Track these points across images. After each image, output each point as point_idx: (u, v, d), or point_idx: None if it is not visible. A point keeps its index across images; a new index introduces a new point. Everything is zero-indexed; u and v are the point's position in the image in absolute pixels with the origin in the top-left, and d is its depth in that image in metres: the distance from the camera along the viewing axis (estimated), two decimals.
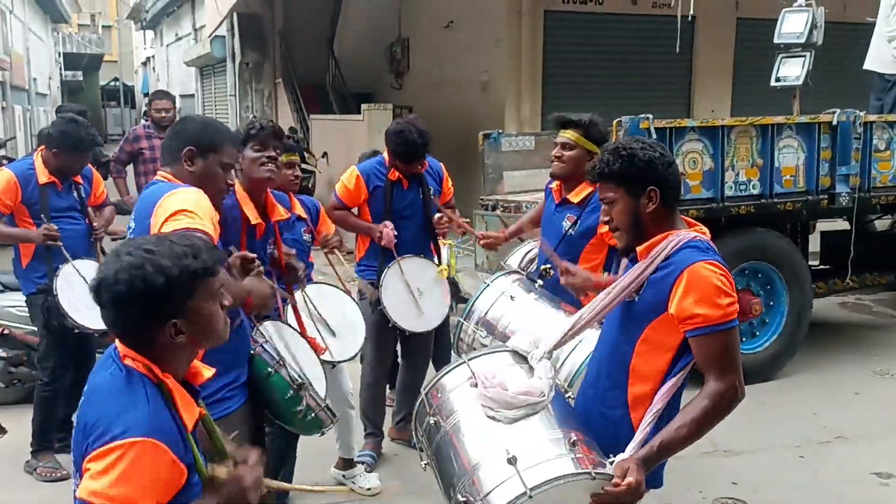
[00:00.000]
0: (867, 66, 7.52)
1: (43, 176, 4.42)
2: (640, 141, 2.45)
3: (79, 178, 4.59)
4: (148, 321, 1.76)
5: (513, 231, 4.32)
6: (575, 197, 3.63)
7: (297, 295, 3.61)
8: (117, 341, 1.82)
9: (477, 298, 3.44)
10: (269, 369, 2.89)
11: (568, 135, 3.61)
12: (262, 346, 2.94)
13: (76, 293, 4.17)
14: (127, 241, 1.86)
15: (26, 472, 4.51)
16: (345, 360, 3.94)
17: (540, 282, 3.54)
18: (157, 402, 1.74)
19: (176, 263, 1.74)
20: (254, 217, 3.32)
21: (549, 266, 3.59)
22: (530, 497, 2.11)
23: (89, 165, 4.77)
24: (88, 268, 4.31)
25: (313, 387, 2.99)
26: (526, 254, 4.12)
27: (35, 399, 4.56)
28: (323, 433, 3.16)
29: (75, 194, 4.56)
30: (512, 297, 3.37)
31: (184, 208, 2.51)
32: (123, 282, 1.71)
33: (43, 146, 4.52)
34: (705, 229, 2.46)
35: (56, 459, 4.54)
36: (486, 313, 3.37)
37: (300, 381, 2.92)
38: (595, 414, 2.49)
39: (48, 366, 4.52)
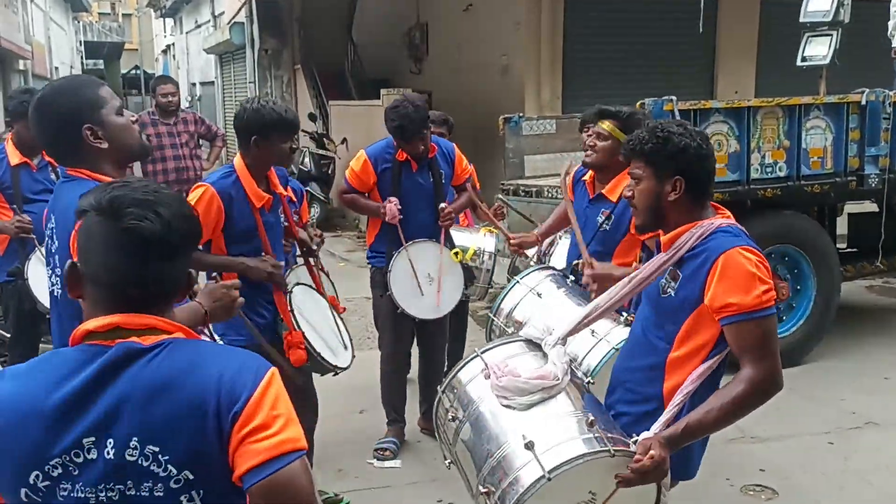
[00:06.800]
0: None
1: (14, 157, 4.36)
2: (682, 126, 2.37)
3: (52, 159, 4.51)
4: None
5: (543, 232, 4.15)
6: (611, 194, 3.53)
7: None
8: (134, 320, 1.42)
9: (506, 295, 3.47)
10: None
11: (604, 125, 3.52)
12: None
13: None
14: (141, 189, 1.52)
15: None
16: (345, 368, 3.64)
17: (572, 277, 3.48)
18: None
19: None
20: (258, 196, 3.36)
21: (580, 261, 3.51)
22: (549, 480, 2.09)
23: None
24: None
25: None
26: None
27: None
28: None
29: (52, 176, 4.44)
30: (539, 294, 3.36)
31: None
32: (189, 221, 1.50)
33: (10, 131, 4.48)
34: (729, 214, 2.40)
35: None
36: (513, 310, 3.38)
37: None
38: (624, 408, 2.44)
39: (18, 352, 4.48)
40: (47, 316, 4.18)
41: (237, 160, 3.40)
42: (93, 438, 1.33)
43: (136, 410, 1.34)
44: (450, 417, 2.46)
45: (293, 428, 1.38)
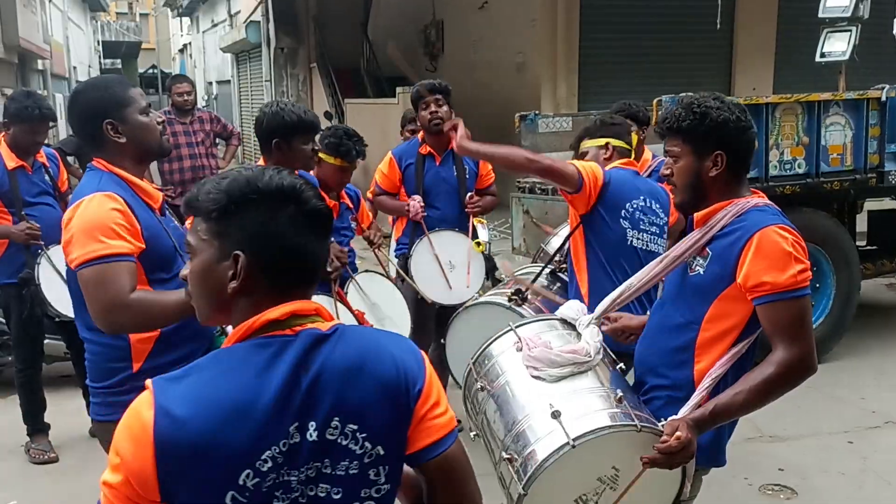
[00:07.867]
0: None
1: (10, 161, 4.30)
2: (719, 99, 2.32)
3: (45, 160, 4.46)
4: None
5: None
6: None
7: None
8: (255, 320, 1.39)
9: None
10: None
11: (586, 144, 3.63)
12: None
13: (55, 281, 4.07)
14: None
15: (25, 454, 4.56)
16: None
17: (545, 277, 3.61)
18: None
19: None
20: None
21: (560, 260, 3.65)
22: (573, 447, 2.08)
23: (54, 152, 4.67)
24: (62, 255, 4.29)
25: None
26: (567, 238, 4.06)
27: (17, 385, 4.58)
28: None
29: (46, 177, 4.43)
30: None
31: (76, 234, 2.25)
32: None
33: (4, 132, 4.40)
34: (763, 195, 2.35)
35: (49, 442, 4.55)
36: None
37: None
38: (655, 393, 2.39)
39: (22, 354, 4.52)
40: (56, 319, 4.24)
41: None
42: (296, 424, 1.34)
43: (334, 392, 1.37)
44: (479, 387, 2.46)
45: (450, 406, 1.49)
